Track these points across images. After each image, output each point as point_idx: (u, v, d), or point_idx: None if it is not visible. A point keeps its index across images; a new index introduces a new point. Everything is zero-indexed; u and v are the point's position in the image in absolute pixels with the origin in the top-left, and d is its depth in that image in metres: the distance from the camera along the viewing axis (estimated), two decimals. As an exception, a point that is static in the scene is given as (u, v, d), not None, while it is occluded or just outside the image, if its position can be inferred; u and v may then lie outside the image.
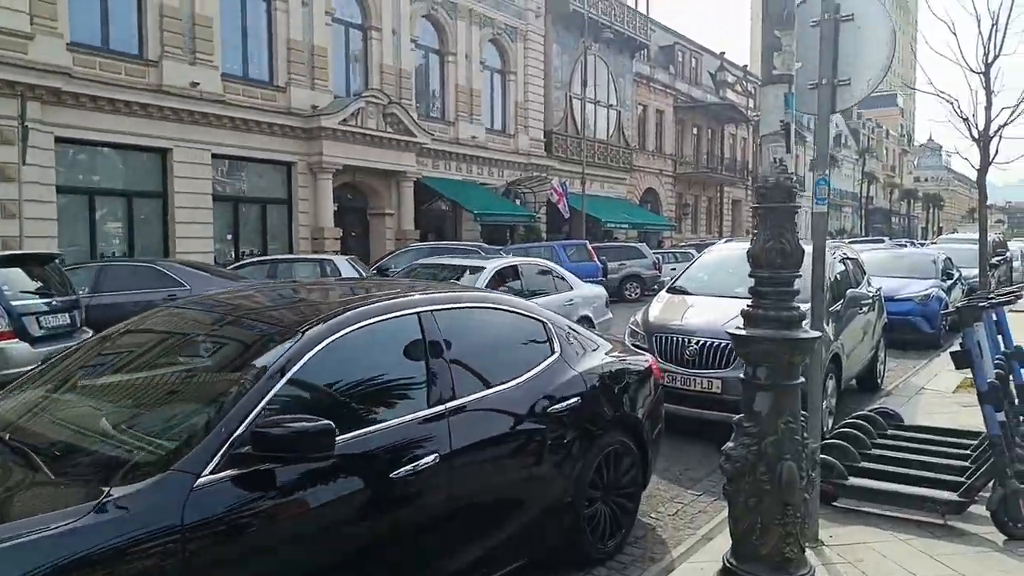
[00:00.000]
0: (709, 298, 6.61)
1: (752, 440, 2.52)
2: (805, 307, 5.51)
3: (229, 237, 18.23)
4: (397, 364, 2.91)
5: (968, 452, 4.39)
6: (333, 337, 2.62)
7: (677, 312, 6.42)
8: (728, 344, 5.62)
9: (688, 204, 41.09)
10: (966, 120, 7.49)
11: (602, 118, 32.44)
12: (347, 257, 12.10)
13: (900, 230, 72.75)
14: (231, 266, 13.37)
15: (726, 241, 9.24)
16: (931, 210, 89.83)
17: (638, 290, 20.21)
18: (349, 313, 2.76)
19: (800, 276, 2.68)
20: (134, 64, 15.86)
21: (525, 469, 3.24)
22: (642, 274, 20.27)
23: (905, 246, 31.36)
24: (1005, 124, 7.38)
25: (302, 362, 2.49)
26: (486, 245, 16.38)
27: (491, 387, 3.14)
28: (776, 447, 2.48)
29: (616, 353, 4.09)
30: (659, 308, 6.61)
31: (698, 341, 5.79)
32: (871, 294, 7.70)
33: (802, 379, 2.61)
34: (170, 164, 16.57)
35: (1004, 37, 7.07)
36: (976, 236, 23.73)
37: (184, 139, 16.57)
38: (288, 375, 2.44)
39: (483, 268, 8.70)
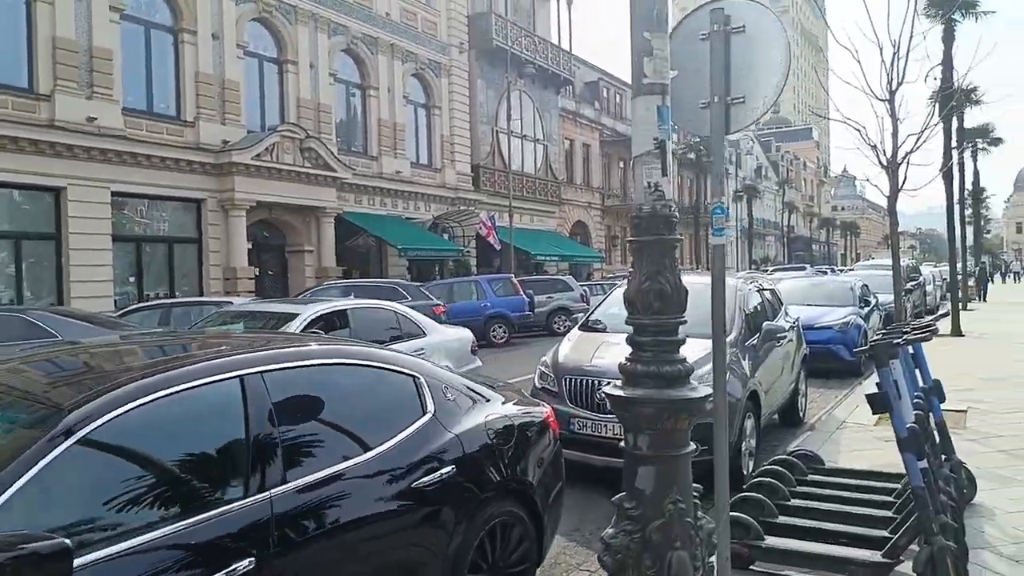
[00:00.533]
0: (624, 335, 6.23)
1: (635, 525, 2.07)
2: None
3: (132, 279, 17.07)
4: (201, 445, 2.33)
5: (892, 499, 4.06)
6: (104, 419, 2.04)
7: (589, 351, 6.00)
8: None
9: (617, 236, 41.47)
10: (874, 147, 7.47)
11: (529, 152, 32.49)
12: (251, 299, 11.33)
13: (821, 257, 75.58)
14: (125, 311, 12.35)
15: None
16: (848, 237, 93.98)
17: (567, 323, 19.96)
18: (133, 386, 2.18)
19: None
20: (22, 98, 14.78)
21: (383, 558, 2.69)
22: (570, 307, 20.00)
23: (826, 273, 32.31)
24: (912, 151, 7.40)
25: (51, 456, 1.90)
26: (402, 282, 15.80)
27: (337, 463, 2.60)
28: (663, 532, 2.04)
29: (509, 405, 3.60)
30: (570, 347, 6.18)
31: (610, 383, 5.37)
32: (789, 325, 7.49)
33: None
34: (64, 203, 15.44)
35: (906, 65, 7.14)
36: (901, 263, 24.86)
37: (80, 177, 15.49)
38: (26, 477, 1.84)
39: (296, 315, 7.13)
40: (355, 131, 23.91)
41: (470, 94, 28.30)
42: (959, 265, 33.22)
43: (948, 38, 15.73)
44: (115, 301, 16.06)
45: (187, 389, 2.31)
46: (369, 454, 2.71)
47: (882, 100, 7.31)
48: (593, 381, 5.46)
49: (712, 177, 3.47)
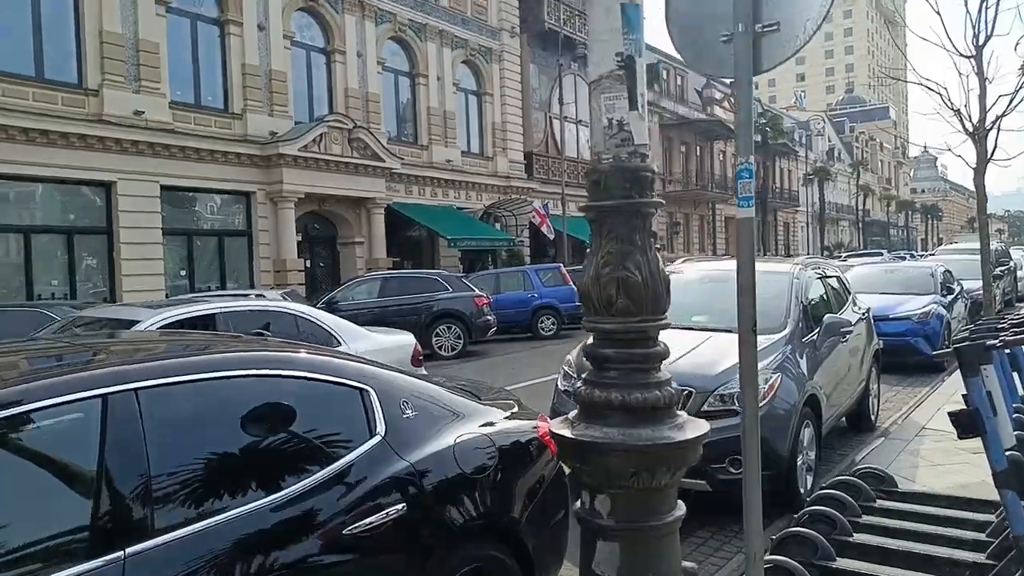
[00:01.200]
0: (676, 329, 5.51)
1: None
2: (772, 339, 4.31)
3: (183, 273, 17.15)
4: (31, 489, 1.78)
5: (983, 537, 3.24)
6: None
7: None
8: (686, 390, 4.52)
9: (679, 223, 40.12)
10: (957, 112, 6.43)
11: (585, 138, 31.53)
12: (282, 291, 11.01)
13: (899, 242, 71.71)
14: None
15: (683, 261, 7.93)
16: (929, 221, 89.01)
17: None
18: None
19: (664, 325, 1.58)
20: (71, 93, 14.92)
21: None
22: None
23: (904, 259, 30.31)
24: (1003, 114, 6.33)
25: None
26: (444, 273, 15.27)
27: (232, 507, 2.02)
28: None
29: (494, 421, 2.96)
30: (598, 345, 5.50)
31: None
32: (858, 316, 6.57)
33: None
34: (114, 198, 15.57)
35: (996, 14, 6.08)
36: (976, 246, 22.75)
37: (129, 171, 15.58)
38: None
39: (135, 323, 5.46)
40: (405, 120, 23.57)
41: (522, 79, 27.60)
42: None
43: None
44: (166, 294, 16.14)
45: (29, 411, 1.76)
46: (281, 493, 2.11)
47: (967, 57, 6.29)
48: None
49: (738, 129, 2.72)
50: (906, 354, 9.90)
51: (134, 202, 15.68)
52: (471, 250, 24.13)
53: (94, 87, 15.22)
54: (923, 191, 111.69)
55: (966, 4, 6.29)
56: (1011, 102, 6.27)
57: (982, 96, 6.33)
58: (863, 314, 6.76)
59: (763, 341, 4.90)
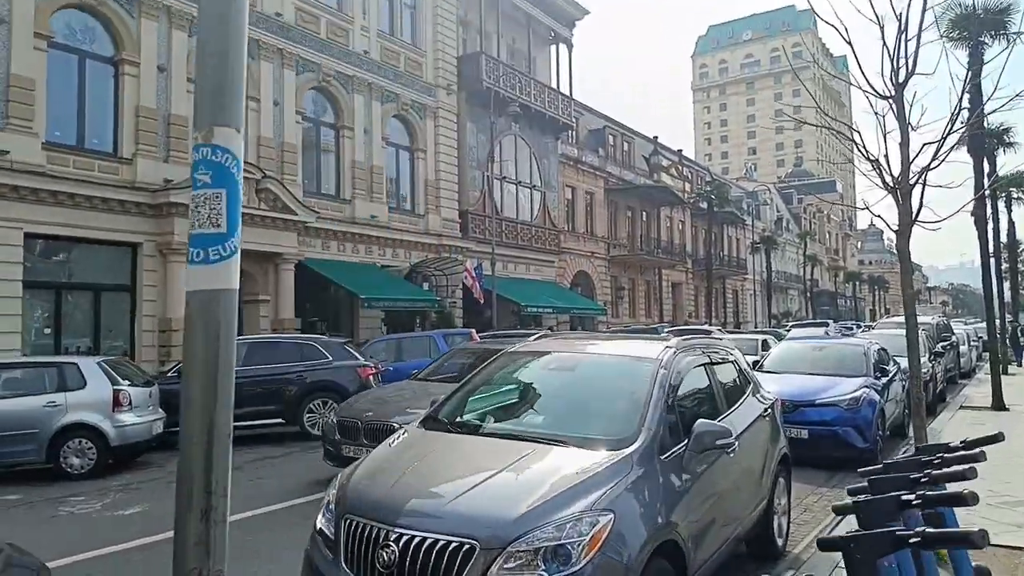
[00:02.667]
0: (474, 439, 3.99)
1: None
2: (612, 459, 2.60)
3: (47, 331, 15.17)
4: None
5: None
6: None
7: (399, 467, 3.74)
8: (465, 543, 3.02)
9: (624, 287, 39.22)
10: (876, 163, 5.25)
11: (525, 199, 30.65)
12: (99, 359, 9.24)
13: (847, 312, 72.24)
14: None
15: (538, 337, 6.32)
16: (877, 292, 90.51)
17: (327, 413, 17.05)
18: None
19: None
20: (-83, 127, 13.22)
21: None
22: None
23: (851, 329, 29.59)
24: (929, 167, 5.16)
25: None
26: (324, 338, 13.55)
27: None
28: None
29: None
30: (382, 456, 3.93)
31: (399, 537, 3.13)
32: (758, 413, 5.18)
33: None
34: (-37, 245, 13.70)
35: (918, 47, 5.01)
36: (930, 319, 22.15)
37: (-17, 215, 13.77)
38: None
39: None
40: (327, 173, 22.23)
41: (459, 137, 26.67)
42: (965, 328, 29.93)
43: (975, 62, 13.53)
44: (23, 353, 14.15)
45: None
46: None
47: (885, 98, 5.17)
48: (377, 531, 3.22)
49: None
50: (833, 447, 8.57)
51: (-13, 250, 13.81)
52: (394, 311, 22.56)
53: (-52, 121, 13.55)
54: (871, 263, 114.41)
55: (882, 34, 5.20)
56: (937, 152, 5.12)
57: (904, 144, 5.18)
58: (765, 409, 5.37)
59: (595, 462, 3.42)
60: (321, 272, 19.85)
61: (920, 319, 22.66)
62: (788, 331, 33.48)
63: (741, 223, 54.87)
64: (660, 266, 42.87)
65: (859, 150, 5.27)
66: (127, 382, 8.82)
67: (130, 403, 8.51)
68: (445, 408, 4.39)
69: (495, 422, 4.16)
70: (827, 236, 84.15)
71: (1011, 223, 31.09)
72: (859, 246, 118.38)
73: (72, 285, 15.81)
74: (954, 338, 20.16)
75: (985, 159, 23.57)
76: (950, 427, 11.08)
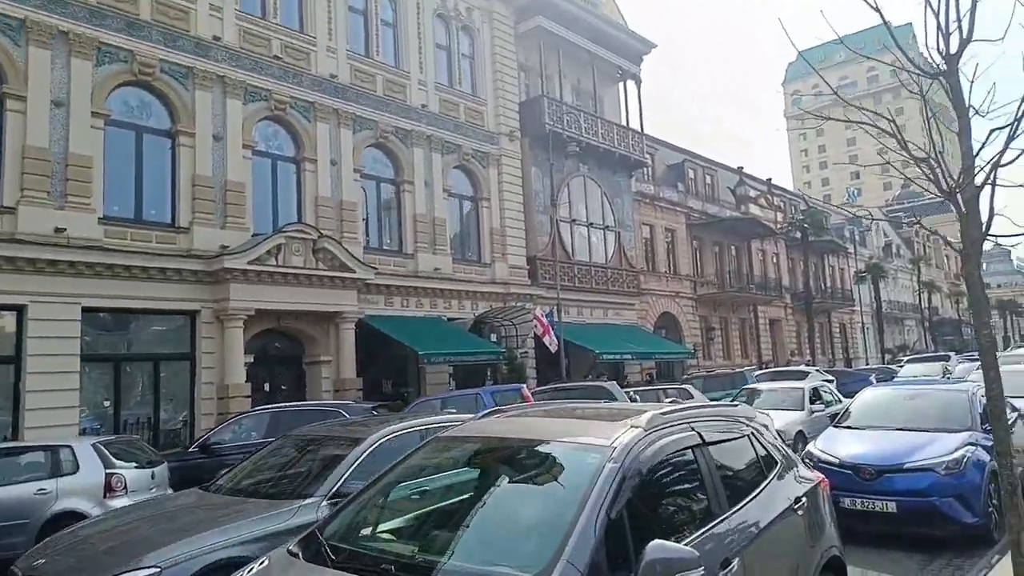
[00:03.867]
0: None
1: None
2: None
3: (107, 403, 15.31)
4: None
5: None
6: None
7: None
8: None
9: (715, 327, 36.99)
10: (925, 160, 3.93)
11: (598, 241, 29.51)
12: (96, 439, 8.78)
13: (972, 342, 65.74)
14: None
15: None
16: (1008, 317, 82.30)
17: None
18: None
19: None
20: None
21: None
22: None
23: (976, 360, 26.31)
24: (998, 161, 3.77)
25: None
26: (354, 403, 12.83)
27: None
28: None
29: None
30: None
31: None
32: (782, 508, 3.87)
33: None
34: (24, 322, 14.05)
35: (975, 6, 3.71)
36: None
37: (42, 292, 14.12)
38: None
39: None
40: (388, 228, 22.04)
41: (523, 183, 26.05)
42: None
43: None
44: (82, 429, 14.27)
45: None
46: None
47: (932, 76, 3.88)
48: None
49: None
50: (930, 523, 6.88)
51: (44, 326, 14.09)
52: (461, 365, 21.79)
53: (10, 204, 14.08)
54: (998, 285, 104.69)
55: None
56: (1011, 138, 3.74)
57: (963, 132, 3.85)
58: (798, 499, 4.04)
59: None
60: (381, 329, 19.42)
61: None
62: (901, 367, 30.26)
63: (843, 252, 51.26)
64: (755, 302, 40.32)
65: (900, 144, 3.98)
66: (130, 463, 8.38)
67: (124, 487, 8.02)
68: (333, 524, 3.38)
69: (387, 549, 3.12)
70: (945, 260, 77.64)
71: None
72: (985, 268, 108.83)
73: (131, 356, 15.99)
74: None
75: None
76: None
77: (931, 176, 4.01)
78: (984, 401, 8.35)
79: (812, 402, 14.52)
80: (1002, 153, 3.82)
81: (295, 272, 17.72)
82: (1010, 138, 3.85)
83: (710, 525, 3.29)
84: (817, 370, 25.07)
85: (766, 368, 30.93)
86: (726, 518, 3.39)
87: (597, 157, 29.06)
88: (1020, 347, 21.64)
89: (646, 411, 3.55)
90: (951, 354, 38.45)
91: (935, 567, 6.44)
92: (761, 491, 3.79)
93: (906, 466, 7.09)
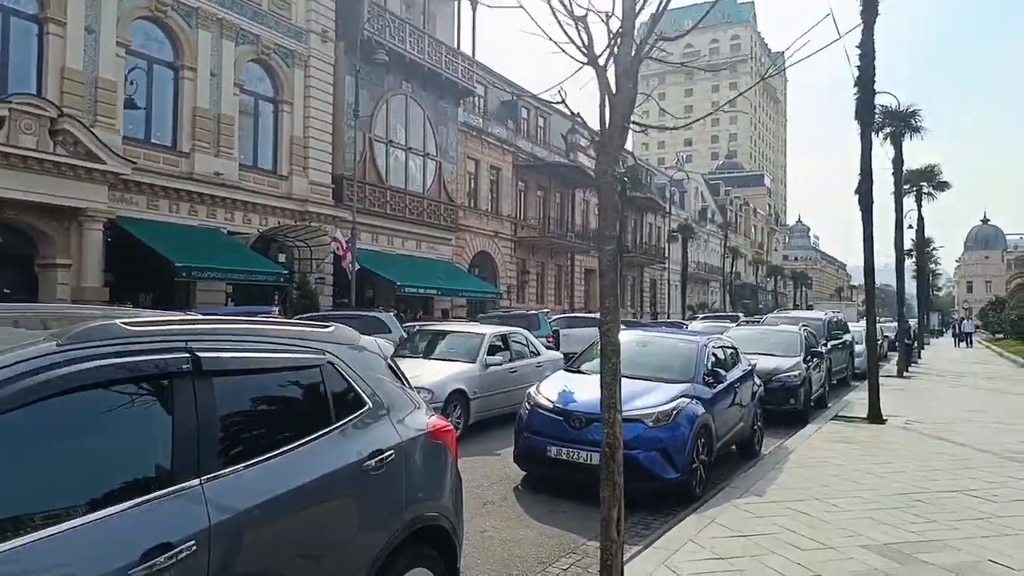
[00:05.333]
0: None
1: None
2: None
3: None
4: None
5: None
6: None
7: None
8: None
9: (530, 271, 37.06)
10: (581, 20, 2.95)
11: (417, 168, 28.01)
12: None
13: (767, 306, 72.15)
14: None
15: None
16: (800, 288, 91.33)
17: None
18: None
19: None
20: None
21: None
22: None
23: (759, 323, 28.10)
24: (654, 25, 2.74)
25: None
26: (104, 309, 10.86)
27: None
28: None
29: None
30: None
31: None
32: (346, 462, 2.80)
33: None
34: None
35: None
36: (820, 314, 20.57)
37: None
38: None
39: None
40: (160, 119, 19.08)
41: (335, 92, 23.77)
42: (886, 324, 29.00)
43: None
44: None
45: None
46: None
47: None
48: None
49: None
50: (629, 476, 6.35)
51: None
52: (242, 285, 19.62)
53: None
54: (796, 258, 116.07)
55: None
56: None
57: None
58: (392, 447, 2.99)
59: None
60: (133, 233, 16.83)
61: (809, 314, 21.02)
62: (689, 324, 31.79)
63: (662, 211, 53.50)
64: (573, 251, 40.91)
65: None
66: None
67: None
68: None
69: None
70: (753, 230, 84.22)
71: (920, 219, 30.19)
72: (787, 241, 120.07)
73: None
74: (848, 336, 18.59)
75: (889, 141, 22.29)
76: (809, 444, 9.13)
77: (579, 41, 3.06)
78: (715, 353, 8.06)
79: (492, 353, 10.67)
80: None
81: (23, 154, 14.70)
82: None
83: (154, 496, 2.12)
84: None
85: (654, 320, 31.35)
86: (191, 486, 2.23)
87: (422, 77, 27.28)
88: (793, 312, 23.20)
89: (90, 320, 2.28)
90: (740, 315, 41.51)
91: (642, 511, 5.94)
92: (301, 444, 2.69)
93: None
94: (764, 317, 22.29)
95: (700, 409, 6.95)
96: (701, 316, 39.15)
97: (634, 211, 48.00)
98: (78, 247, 16.38)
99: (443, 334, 11.61)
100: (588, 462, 6.40)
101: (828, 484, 6.84)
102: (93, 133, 16.03)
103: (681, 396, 6.89)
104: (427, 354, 10.86)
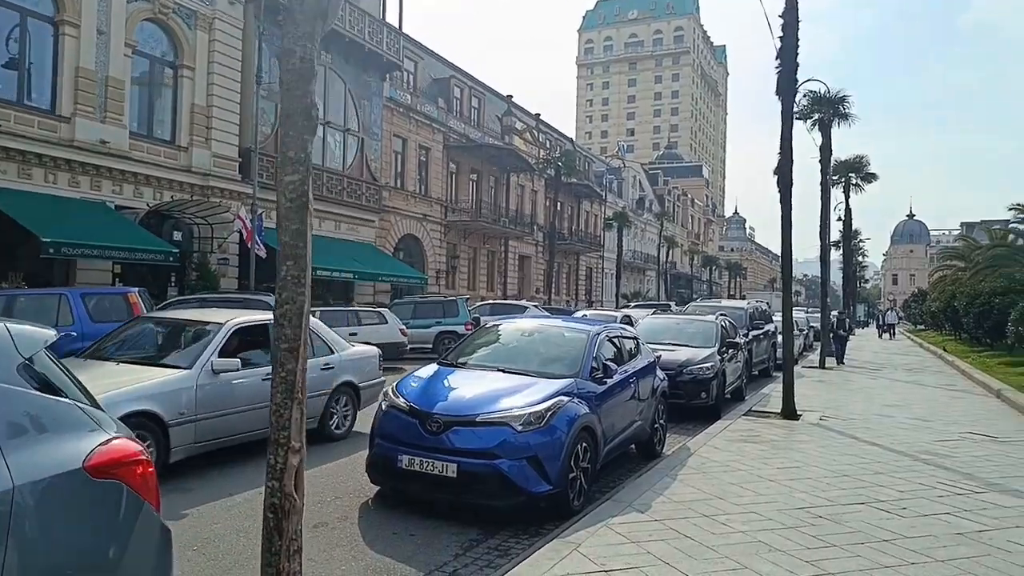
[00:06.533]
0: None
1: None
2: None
3: None
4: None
5: None
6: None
7: None
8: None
9: (458, 256, 35.91)
10: None
11: (336, 144, 26.51)
12: None
13: (702, 296, 72.89)
14: None
15: None
16: (734, 278, 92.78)
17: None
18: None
19: None
20: None
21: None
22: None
23: (668, 309, 27.67)
24: None
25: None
26: None
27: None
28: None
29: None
30: None
31: None
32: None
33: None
34: None
35: None
36: (743, 304, 20.05)
37: None
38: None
39: None
40: (37, 80, 17.14)
41: (244, 59, 22.03)
42: (813, 315, 29.01)
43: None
44: None
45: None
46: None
47: None
48: None
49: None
50: (491, 491, 5.38)
51: None
52: (128, 263, 17.84)
53: None
54: (732, 249, 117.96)
55: None
56: None
57: None
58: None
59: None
60: (-3, 205, 14.99)
61: (731, 303, 20.53)
62: (581, 312, 31.24)
63: (599, 198, 53.03)
64: (507, 236, 39.91)
65: None
66: None
67: None
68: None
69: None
70: (690, 220, 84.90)
71: (848, 210, 30.28)
72: (724, 232, 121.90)
73: None
74: (771, 327, 18.16)
75: (816, 128, 21.98)
76: (713, 445, 8.35)
77: None
78: (611, 343, 7.15)
79: (237, 352, 7.36)
80: None
81: None
82: None
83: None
84: (535, 306, 24.73)
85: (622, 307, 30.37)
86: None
87: (343, 48, 25.74)
88: (724, 301, 22.66)
89: None
90: (671, 303, 41.35)
91: (478, 551, 4.93)
92: None
93: (479, 418, 5.51)
94: (685, 307, 21.73)
95: (582, 409, 6.01)
96: (633, 304, 38.83)
97: (570, 197, 47.33)
98: (-74, 217, 14.51)
99: (169, 325, 7.99)
100: (445, 473, 5.39)
101: (724, 495, 6.01)
102: (-56, 88, 14.14)
103: (560, 394, 5.92)
104: (119, 356, 7.09)
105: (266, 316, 7.52)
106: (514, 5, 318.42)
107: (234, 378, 6.97)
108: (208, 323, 7.44)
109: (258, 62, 20.65)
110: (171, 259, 17.39)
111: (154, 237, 18.10)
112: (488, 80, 40.73)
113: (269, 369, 6.72)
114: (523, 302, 27.25)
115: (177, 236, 19.63)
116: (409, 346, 17.23)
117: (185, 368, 6.70)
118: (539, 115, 46.09)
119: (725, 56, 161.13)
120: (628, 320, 18.66)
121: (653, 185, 71.98)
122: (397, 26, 29.07)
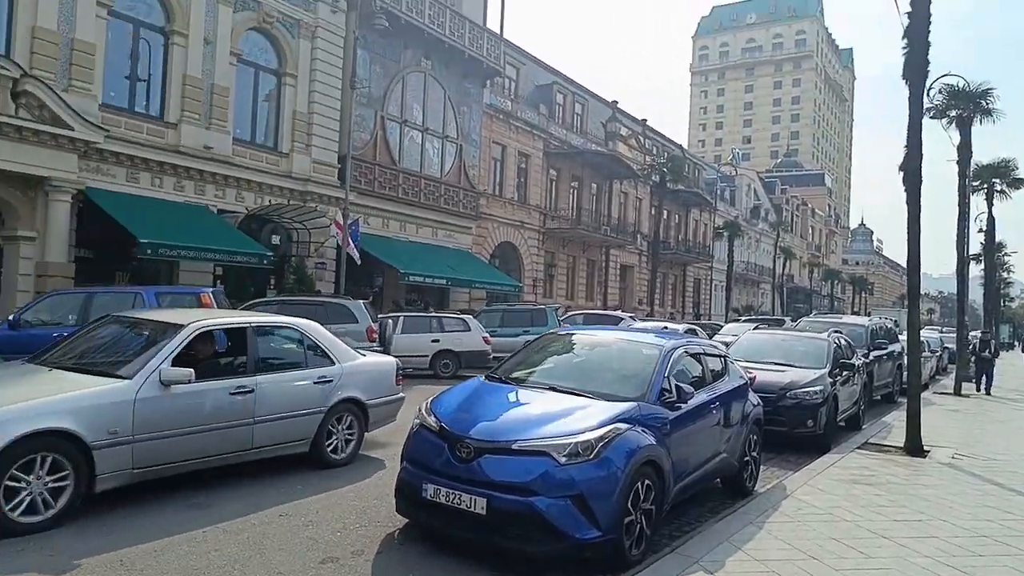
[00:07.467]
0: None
1: None
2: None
3: None
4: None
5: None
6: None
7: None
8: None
9: (556, 265, 35.08)
10: None
11: (434, 151, 26.41)
12: None
13: (821, 311, 68.32)
14: None
15: None
16: (859, 293, 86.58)
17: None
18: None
19: None
20: None
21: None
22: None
23: (781, 323, 25.57)
24: None
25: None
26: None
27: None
28: None
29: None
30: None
31: None
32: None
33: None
34: None
35: None
36: (864, 320, 17.79)
37: None
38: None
39: None
40: (148, 87, 17.90)
41: (344, 66, 22.29)
42: (936, 335, 26.20)
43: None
44: None
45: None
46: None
47: None
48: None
49: None
50: (526, 534, 4.52)
51: None
52: (231, 266, 18.24)
53: None
54: (857, 263, 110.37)
55: None
56: None
57: None
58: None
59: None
60: (101, 205, 15.64)
61: (849, 320, 18.50)
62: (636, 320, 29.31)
63: (709, 207, 50.71)
64: (608, 245, 38.74)
65: None
66: None
67: None
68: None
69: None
70: (810, 231, 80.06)
71: (991, 220, 27.02)
72: (848, 245, 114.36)
73: None
74: (896, 347, 16.15)
75: (954, 126, 19.49)
76: (815, 485, 7.07)
77: None
78: (681, 362, 6.12)
79: (199, 360, 6.40)
80: None
81: (-18, 117, 13.63)
82: None
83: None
84: (632, 317, 23.52)
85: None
86: None
87: (443, 54, 25.65)
88: (830, 317, 20.35)
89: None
90: (786, 319, 38.65)
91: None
92: None
93: (515, 446, 4.67)
94: (796, 322, 19.87)
95: (646, 439, 5.03)
96: (745, 318, 36.59)
97: (677, 205, 45.50)
98: (43, 219, 15.30)
99: (133, 326, 6.66)
100: (473, 509, 4.58)
101: (820, 555, 4.86)
102: (60, 97, 14.88)
103: (619, 420, 4.97)
104: (61, 361, 6.05)
105: (246, 318, 6.86)
106: (629, 9, 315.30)
107: (190, 391, 5.78)
108: (167, 325, 6.20)
109: (353, 64, 20.78)
110: (265, 262, 17.64)
111: (250, 240, 18.46)
112: (594, 87, 39.87)
113: (240, 381, 6.20)
114: (619, 313, 26.07)
115: (275, 240, 20.01)
116: (493, 355, 16.59)
117: (125, 378, 5.52)
118: (645, 120, 44.65)
119: (852, 59, 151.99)
120: (693, 333, 17.18)
121: (769, 194, 68.33)
122: (499, 32, 28.76)
